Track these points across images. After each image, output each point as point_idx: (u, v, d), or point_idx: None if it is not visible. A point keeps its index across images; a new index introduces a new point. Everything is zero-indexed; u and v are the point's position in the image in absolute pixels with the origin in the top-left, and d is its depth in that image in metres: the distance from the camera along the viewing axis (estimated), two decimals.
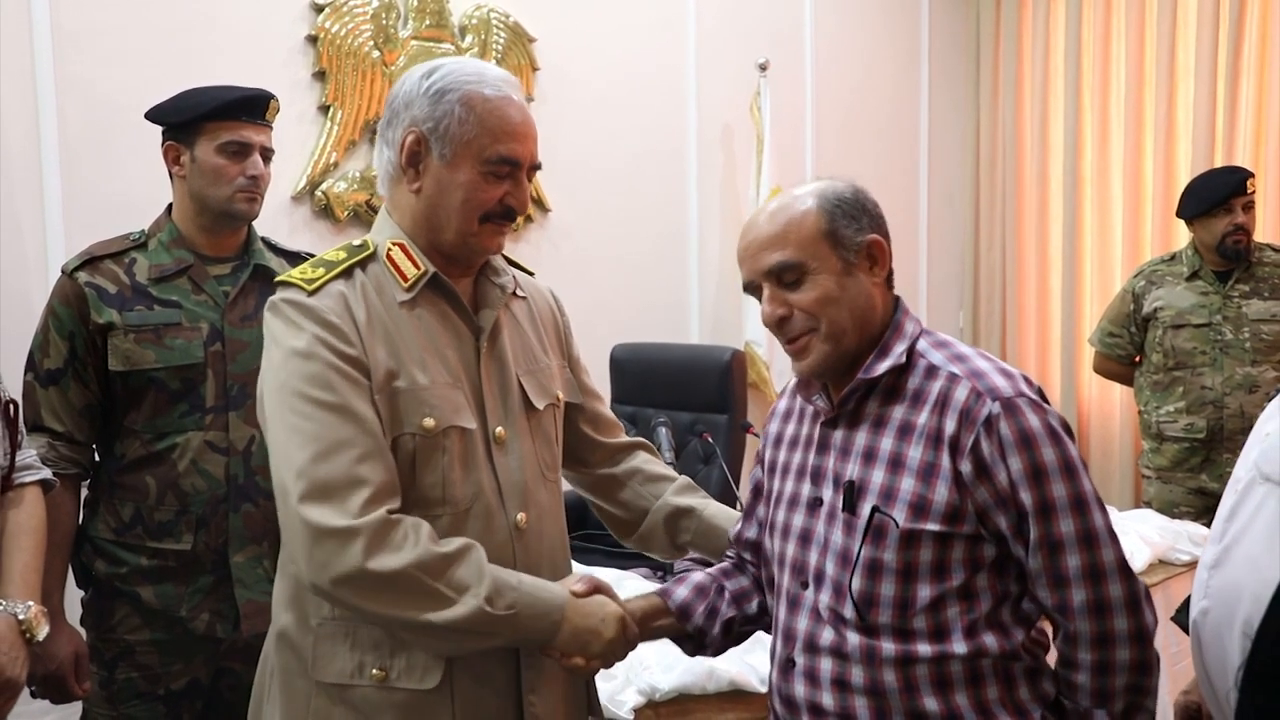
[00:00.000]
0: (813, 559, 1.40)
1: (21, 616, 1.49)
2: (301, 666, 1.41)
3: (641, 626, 1.49)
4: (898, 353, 1.36)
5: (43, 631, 1.52)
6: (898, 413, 1.35)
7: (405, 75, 1.46)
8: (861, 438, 1.37)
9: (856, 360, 1.38)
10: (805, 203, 1.38)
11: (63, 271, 1.99)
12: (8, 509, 1.58)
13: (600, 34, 3.98)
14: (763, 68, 4.28)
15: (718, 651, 1.60)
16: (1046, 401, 1.33)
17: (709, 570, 1.62)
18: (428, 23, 3.56)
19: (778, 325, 1.38)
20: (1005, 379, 1.31)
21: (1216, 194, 3.25)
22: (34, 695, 1.86)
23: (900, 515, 1.30)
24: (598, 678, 1.89)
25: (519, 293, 1.58)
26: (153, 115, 2.04)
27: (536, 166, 1.49)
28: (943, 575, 1.30)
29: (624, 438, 1.77)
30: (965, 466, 1.28)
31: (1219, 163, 4.26)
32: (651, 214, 4.20)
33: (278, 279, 1.44)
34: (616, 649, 1.44)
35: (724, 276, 4.43)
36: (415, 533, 1.32)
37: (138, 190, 2.82)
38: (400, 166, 1.43)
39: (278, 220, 3.17)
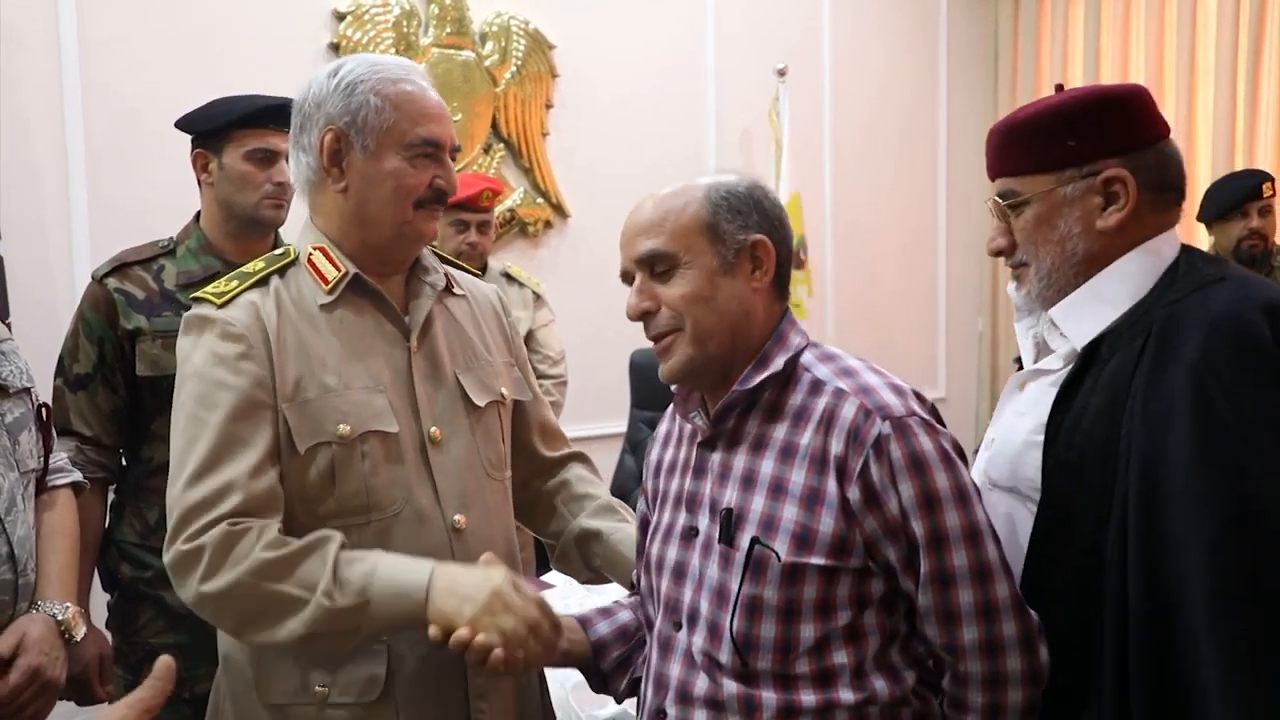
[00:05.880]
0: (687, 596, 1.27)
1: (60, 617, 1.50)
2: (249, 687, 1.40)
3: (555, 631, 1.33)
4: (777, 364, 1.26)
5: (80, 632, 1.53)
6: (779, 433, 1.24)
7: (309, 80, 1.44)
8: (740, 460, 1.26)
9: (732, 372, 1.27)
10: (692, 192, 1.28)
11: (93, 278, 2.01)
12: (43, 511, 1.60)
13: (619, 40, 4.00)
14: (781, 73, 4.28)
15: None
16: (940, 422, 1.23)
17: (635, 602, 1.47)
18: (448, 30, 3.59)
19: (641, 319, 1.28)
20: (896, 396, 1.21)
21: (1232, 198, 3.22)
22: (59, 697, 1.88)
23: (782, 547, 1.19)
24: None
25: (456, 290, 1.55)
26: (182, 124, 2.07)
27: (457, 148, 1.47)
28: (828, 614, 1.19)
29: (563, 450, 1.70)
30: (854, 493, 1.18)
31: (1239, 165, 4.23)
32: None
33: (193, 295, 1.43)
34: (510, 602, 1.25)
35: None
36: (254, 542, 1.26)
37: (162, 197, 2.85)
38: (322, 168, 1.41)
39: None
